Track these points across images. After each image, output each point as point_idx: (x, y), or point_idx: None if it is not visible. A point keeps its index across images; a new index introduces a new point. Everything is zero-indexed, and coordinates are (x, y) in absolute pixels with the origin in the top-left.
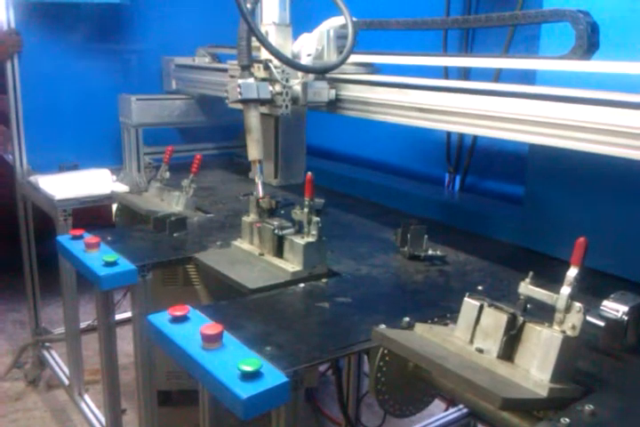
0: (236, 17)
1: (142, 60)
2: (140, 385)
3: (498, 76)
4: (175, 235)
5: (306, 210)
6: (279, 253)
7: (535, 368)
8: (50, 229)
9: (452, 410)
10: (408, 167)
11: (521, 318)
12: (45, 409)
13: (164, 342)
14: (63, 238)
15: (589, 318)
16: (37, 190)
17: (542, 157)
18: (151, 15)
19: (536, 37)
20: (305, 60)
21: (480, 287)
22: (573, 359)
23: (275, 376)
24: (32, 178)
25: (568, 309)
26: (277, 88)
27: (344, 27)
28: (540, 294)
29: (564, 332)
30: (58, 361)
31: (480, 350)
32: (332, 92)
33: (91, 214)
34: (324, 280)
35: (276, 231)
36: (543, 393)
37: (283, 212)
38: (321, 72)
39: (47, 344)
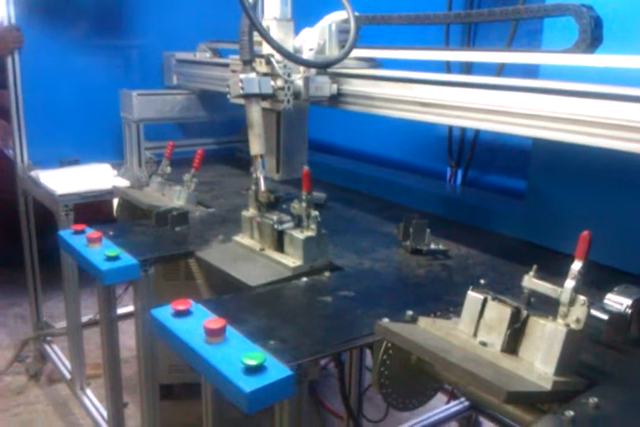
0: (237, 12)
1: (143, 55)
2: (142, 379)
3: (500, 70)
4: (177, 229)
5: (304, 204)
6: (280, 247)
7: (539, 361)
8: (50, 224)
9: (453, 403)
10: (409, 161)
11: (525, 312)
12: (47, 403)
13: (167, 337)
14: (65, 233)
15: (593, 312)
16: (38, 185)
17: (545, 151)
18: (152, 10)
19: (538, 31)
20: (307, 55)
21: (482, 281)
22: (577, 353)
23: (279, 370)
24: (33, 173)
25: (572, 302)
26: (279, 83)
27: (346, 21)
28: (544, 287)
29: (568, 325)
30: (59, 355)
31: (484, 344)
32: (334, 86)
33: (91, 209)
34: (326, 274)
35: (276, 226)
36: (547, 386)
37: (285, 206)
38: (323, 66)
39: (48, 338)
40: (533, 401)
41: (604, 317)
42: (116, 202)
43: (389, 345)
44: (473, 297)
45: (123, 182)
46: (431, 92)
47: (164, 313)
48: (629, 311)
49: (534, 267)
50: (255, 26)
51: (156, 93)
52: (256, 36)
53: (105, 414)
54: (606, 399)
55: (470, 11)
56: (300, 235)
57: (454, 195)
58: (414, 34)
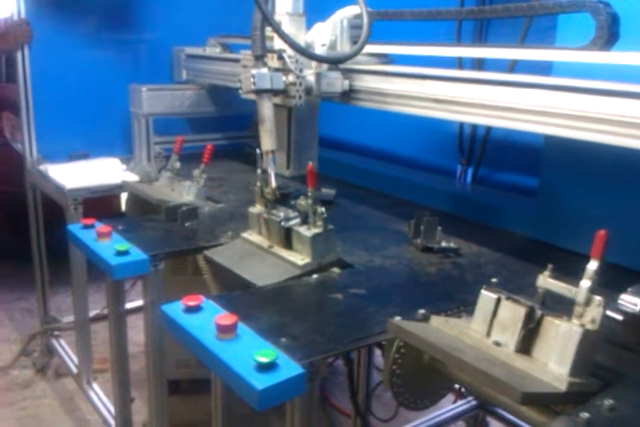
0: (246, 7)
1: (153, 50)
2: (150, 374)
3: (512, 67)
4: (187, 225)
5: (310, 201)
6: (288, 244)
7: (554, 362)
8: (57, 218)
9: (460, 402)
10: (420, 159)
11: (539, 312)
12: (54, 397)
13: (178, 332)
14: (74, 227)
15: (608, 312)
16: (47, 179)
17: (558, 148)
18: (162, 5)
19: (552, 28)
20: (319, 50)
21: (494, 280)
22: (592, 353)
23: (290, 368)
24: (42, 167)
25: (588, 302)
26: (291, 78)
27: (358, 16)
28: (559, 287)
29: (583, 326)
30: (66, 350)
31: (497, 344)
32: (346, 82)
33: (99, 204)
34: (337, 271)
35: (283, 224)
36: (562, 387)
37: (293, 202)
38: (335, 62)
39: (56, 333)
40: (548, 402)
41: (620, 317)
42: (124, 197)
43: (401, 344)
44: (486, 296)
45: (132, 177)
46: (443, 88)
47: (175, 309)
48: None
49: (549, 266)
50: (268, 20)
51: (165, 88)
52: (267, 32)
53: (112, 408)
54: (621, 401)
55: (484, 7)
56: (307, 232)
57: (465, 192)
58: (427, 30)
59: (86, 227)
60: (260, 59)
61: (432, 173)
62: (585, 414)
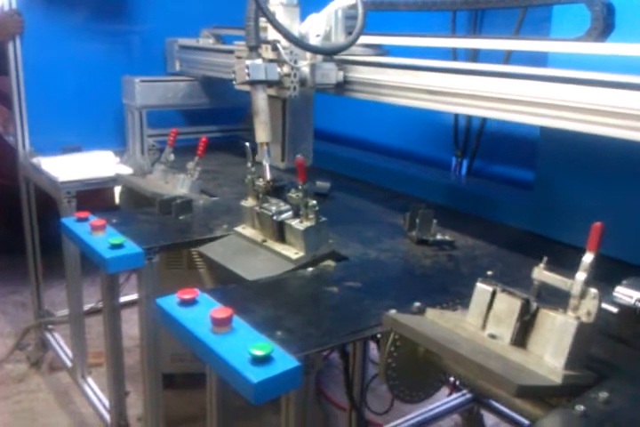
0: None
1: (146, 41)
2: (145, 368)
3: (507, 58)
4: (181, 218)
5: (300, 194)
6: (281, 237)
7: (549, 355)
8: (51, 211)
9: (455, 395)
10: (415, 151)
11: (535, 304)
12: (48, 391)
13: (173, 326)
14: (68, 221)
15: (603, 305)
16: (40, 172)
17: (553, 140)
18: None
19: (547, 19)
20: (314, 41)
21: (490, 272)
22: (588, 346)
23: (286, 361)
24: (35, 160)
25: (583, 295)
26: (285, 69)
27: (352, 7)
28: (555, 279)
29: (578, 318)
30: (60, 343)
31: (493, 336)
32: (341, 73)
33: (93, 197)
34: (332, 264)
35: (275, 217)
36: (557, 380)
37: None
38: (330, 53)
39: (50, 326)
40: (543, 395)
41: (615, 310)
42: (118, 190)
43: (397, 337)
44: (482, 289)
45: (125, 170)
46: (438, 79)
47: (170, 302)
48: (639, 304)
49: (545, 259)
50: (262, 10)
51: (158, 80)
52: (261, 22)
53: (106, 402)
54: (617, 394)
55: None
56: (299, 226)
57: (460, 185)
58: (421, 21)
59: (80, 220)
60: (254, 49)
61: (427, 165)
62: (580, 407)
